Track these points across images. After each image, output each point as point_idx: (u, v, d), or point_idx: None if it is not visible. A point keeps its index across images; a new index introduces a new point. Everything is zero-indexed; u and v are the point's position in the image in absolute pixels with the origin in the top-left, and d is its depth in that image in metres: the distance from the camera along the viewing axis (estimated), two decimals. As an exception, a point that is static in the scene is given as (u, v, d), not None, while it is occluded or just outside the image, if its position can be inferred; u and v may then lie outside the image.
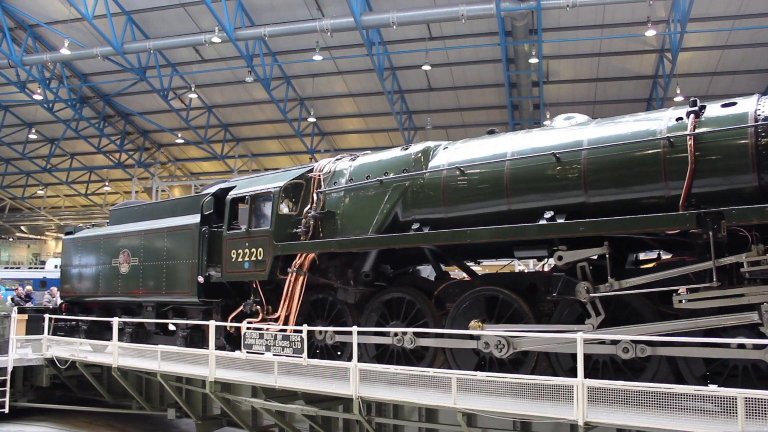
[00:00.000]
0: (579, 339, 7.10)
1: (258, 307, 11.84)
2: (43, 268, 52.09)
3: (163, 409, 14.46)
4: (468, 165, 9.31)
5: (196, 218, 13.32)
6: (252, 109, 35.14)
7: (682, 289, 7.52)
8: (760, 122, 7.16)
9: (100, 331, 15.91)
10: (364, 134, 36.65)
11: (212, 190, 13.64)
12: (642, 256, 10.01)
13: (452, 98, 31.81)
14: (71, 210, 55.48)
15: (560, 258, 8.18)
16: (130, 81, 32.19)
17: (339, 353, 11.19)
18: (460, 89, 31.02)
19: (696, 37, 25.08)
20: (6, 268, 54.06)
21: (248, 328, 11.29)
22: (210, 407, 13.25)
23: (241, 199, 12.41)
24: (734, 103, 7.60)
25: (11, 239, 66.43)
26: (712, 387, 6.65)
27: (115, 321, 13.61)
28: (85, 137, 38.50)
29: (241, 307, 12.12)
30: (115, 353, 13.37)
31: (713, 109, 7.71)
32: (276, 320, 11.33)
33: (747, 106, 7.43)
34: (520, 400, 7.54)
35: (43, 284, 34.79)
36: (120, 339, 14.57)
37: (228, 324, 12.40)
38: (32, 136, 40.16)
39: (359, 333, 9.46)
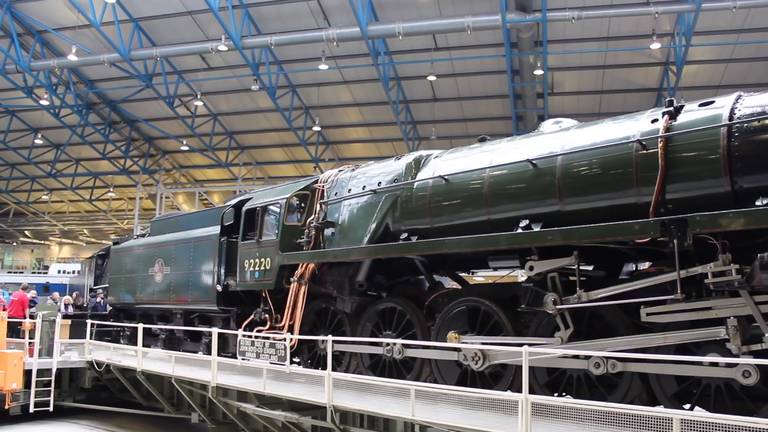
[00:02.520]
0: (524, 353, 6.98)
1: (266, 315, 12.04)
2: (46, 273, 52.23)
3: (189, 412, 14.78)
4: (451, 175, 9.23)
5: (217, 229, 13.77)
6: (257, 117, 35.25)
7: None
8: (731, 122, 6.67)
9: (131, 337, 16.77)
10: (369, 144, 36.74)
11: (234, 201, 14.04)
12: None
13: (457, 109, 31.88)
14: (75, 215, 55.69)
15: (531, 268, 7.98)
16: (137, 88, 32.34)
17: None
18: (464, 100, 31.09)
19: (701, 50, 25.14)
20: (9, 272, 54.17)
21: (243, 336, 11.63)
22: (230, 412, 13.40)
23: (253, 210, 12.70)
24: (712, 102, 7.17)
25: (15, 243, 66.62)
26: (648, 408, 6.27)
27: (140, 327, 14.31)
28: (91, 143, 38.63)
29: (252, 316, 12.35)
30: (140, 357, 14.01)
31: (690, 110, 7.30)
32: (282, 328, 11.48)
33: (723, 105, 6.98)
34: (479, 413, 7.48)
35: (45, 289, 34.89)
36: (154, 345, 15.61)
37: (226, 331, 12.77)
38: (38, 141, 40.34)
39: (338, 342, 9.71)
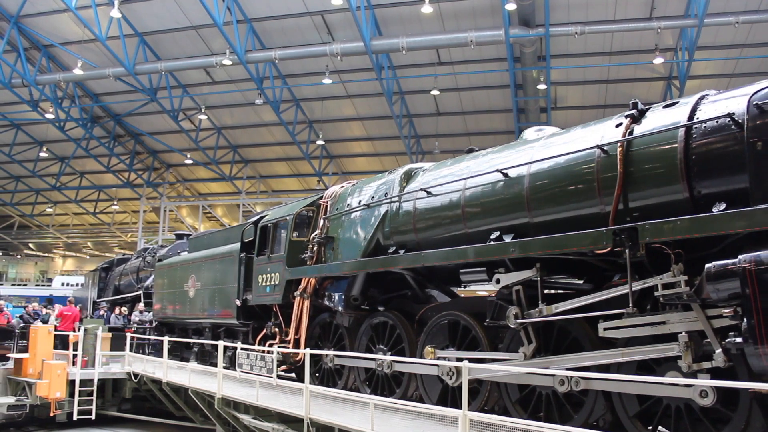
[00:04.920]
0: (464, 368, 6.86)
1: (276, 329, 12.27)
2: (49, 285, 52.29)
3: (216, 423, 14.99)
4: (432, 187, 9.15)
5: (238, 245, 14.14)
6: (261, 131, 35.40)
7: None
8: (686, 123, 6.23)
9: (180, 349, 17.44)
10: (372, 158, 36.83)
11: (254, 218, 14.37)
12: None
13: (460, 123, 31.97)
14: (79, 228, 55.83)
15: (498, 281, 7.76)
16: (141, 101, 32.52)
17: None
18: (468, 114, 31.19)
19: (704, 65, 25.21)
20: (13, 284, 54.26)
21: (242, 349, 12.05)
22: (235, 422, 13.60)
23: (266, 227, 13.05)
24: (676, 103, 6.74)
25: (19, 256, 66.76)
26: (577, 429, 5.95)
27: (165, 340, 15.03)
28: (95, 156, 38.84)
29: (265, 330, 12.60)
30: (165, 369, 14.55)
31: (653, 112, 6.84)
32: (290, 342, 11.71)
33: (686, 105, 6.53)
34: (435, 428, 7.52)
35: (49, 302, 34.87)
36: (187, 358, 16.33)
37: (230, 344, 13.07)
38: (43, 155, 40.53)
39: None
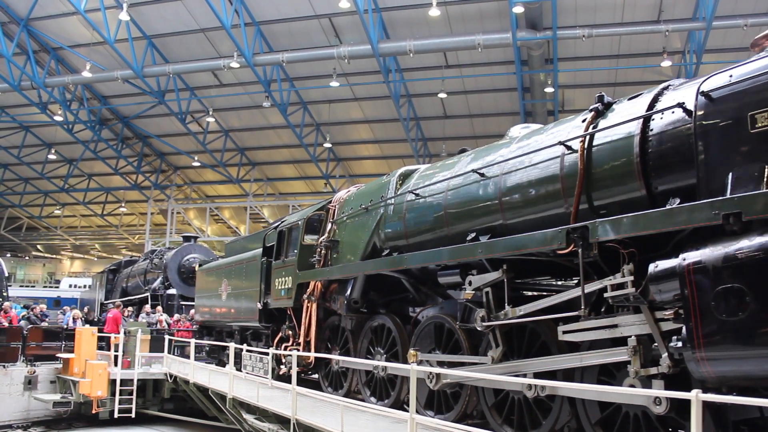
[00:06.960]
0: (412, 371, 6.83)
1: (290, 332, 12.43)
2: (57, 287, 52.46)
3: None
4: (420, 189, 9.08)
5: (260, 250, 14.42)
6: (268, 133, 35.48)
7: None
8: (640, 116, 5.95)
9: (218, 352, 17.97)
10: (380, 160, 36.86)
11: (276, 223, 14.69)
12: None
13: (467, 126, 31.96)
14: (87, 230, 56.04)
15: (470, 283, 7.58)
16: (149, 104, 32.67)
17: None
18: (475, 117, 31.18)
19: (712, 68, 24.66)
20: (21, 286, 54.46)
21: (247, 350, 12.62)
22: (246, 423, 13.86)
23: (282, 232, 13.31)
24: (640, 95, 6.48)
25: (27, 258, 67.03)
26: None
27: (192, 342, 16.12)
28: (103, 158, 38.99)
29: (280, 333, 12.80)
30: (192, 370, 15.23)
31: (618, 105, 6.60)
32: (300, 344, 11.89)
33: (647, 96, 6.27)
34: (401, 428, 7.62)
35: (57, 303, 35.04)
36: (223, 360, 16.81)
37: (239, 346, 13.39)
38: (51, 157, 40.72)
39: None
